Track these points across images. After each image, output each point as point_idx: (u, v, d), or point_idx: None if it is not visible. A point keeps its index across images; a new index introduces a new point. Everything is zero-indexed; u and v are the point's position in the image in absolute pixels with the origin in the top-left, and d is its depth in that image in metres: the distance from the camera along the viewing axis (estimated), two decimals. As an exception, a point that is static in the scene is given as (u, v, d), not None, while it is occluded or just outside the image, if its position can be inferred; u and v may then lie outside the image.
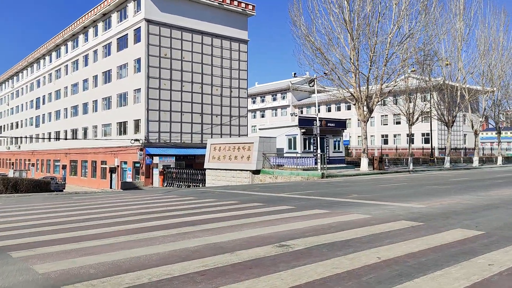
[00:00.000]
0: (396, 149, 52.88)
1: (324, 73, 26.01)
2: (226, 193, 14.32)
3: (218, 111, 45.09)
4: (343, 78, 27.22)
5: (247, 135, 48.29)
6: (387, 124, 71.83)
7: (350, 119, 69.16)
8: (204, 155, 43.51)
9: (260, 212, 8.77)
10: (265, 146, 28.51)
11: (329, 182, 19.63)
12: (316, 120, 29.66)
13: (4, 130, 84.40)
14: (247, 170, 28.77)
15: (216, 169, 31.65)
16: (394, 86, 28.08)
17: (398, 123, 67.12)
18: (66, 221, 8.21)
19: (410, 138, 33.11)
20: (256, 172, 28.22)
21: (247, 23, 47.72)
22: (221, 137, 44.88)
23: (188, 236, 6.27)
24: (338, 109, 76.28)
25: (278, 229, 6.70)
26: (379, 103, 28.01)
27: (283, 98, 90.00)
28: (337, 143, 31.43)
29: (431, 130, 43.14)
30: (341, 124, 31.68)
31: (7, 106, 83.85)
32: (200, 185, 33.25)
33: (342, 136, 31.58)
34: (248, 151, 29.04)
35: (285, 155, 29.00)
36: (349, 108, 69.68)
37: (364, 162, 28.15)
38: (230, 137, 45.23)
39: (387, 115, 68.70)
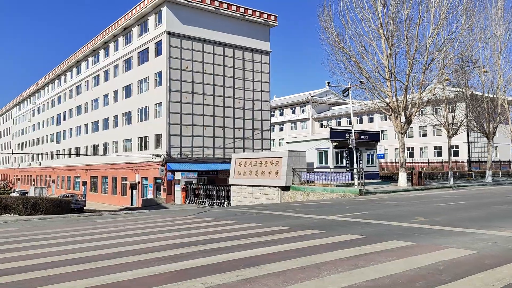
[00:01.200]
0: (429, 162, 50.45)
1: (360, 81, 24.35)
2: (267, 214, 12.67)
3: (240, 124, 43.72)
4: (378, 87, 25.48)
5: (270, 149, 46.72)
6: (412, 137, 69.02)
7: (386, 130, 66.47)
8: (226, 170, 42.11)
9: (325, 245, 7.11)
10: (295, 161, 26.84)
11: (372, 200, 17.80)
12: (350, 132, 27.93)
13: (25, 147, 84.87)
14: (275, 187, 27.08)
15: (241, 185, 30.06)
16: (433, 95, 26.20)
17: (425, 135, 64.54)
18: (93, 256, 6.69)
19: (450, 150, 30.98)
20: (286, 188, 26.52)
21: (269, 34, 46.58)
22: (243, 151, 43.40)
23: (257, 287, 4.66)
24: (371, 120, 73.08)
25: (369, 275, 5.04)
26: (417, 113, 26.12)
27: (303, 111, 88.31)
28: (370, 156, 29.53)
29: (468, 142, 40.68)
30: (375, 137, 29.82)
31: (29, 123, 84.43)
32: (225, 202, 31.67)
33: (376, 149, 29.68)
34: (276, 166, 27.41)
35: (316, 170, 27.27)
36: (384, 119, 66.90)
37: (403, 177, 26.17)
38: (253, 151, 43.72)
39: (412, 127, 66.33)
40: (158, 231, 9.48)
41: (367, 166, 29.25)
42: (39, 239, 8.75)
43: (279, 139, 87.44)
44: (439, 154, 64.00)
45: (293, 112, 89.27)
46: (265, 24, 45.72)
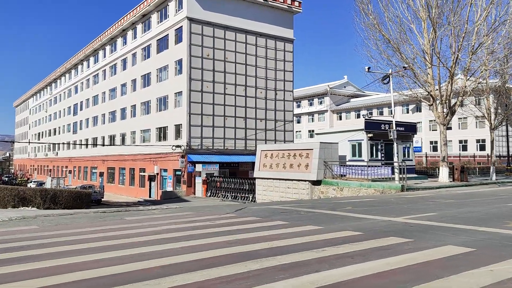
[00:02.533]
0: (460, 157, 48.13)
1: (404, 67, 22.39)
2: (316, 213, 11.05)
3: (262, 115, 42.03)
4: (418, 74, 23.49)
5: (293, 141, 44.98)
6: (435, 130, 65.91)
7: (420, 122, 63.44)
8: (248, 163, 40.60)
9: (436, 262, 5.43)
10: (326, 153, 25.08)
11: (423, 198, 16.00)
12: (387, 123, 26.13)
13: (42, 137, 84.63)
14: (305, 181, 25.39)
15: (267, 178, 28.44)
16: (478, 83, 24.09)
17: (449, 128, 61.92)
18: (136, 273, 5.15)
19: (493, 144, 28.82)
20: (316, 182, 24.81)
21: (293, 21, 44.62)
22: (265, 143, 41.72)
23: None
24: (406, 111, 68.62)
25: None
26: (460, 103, 24.09)
27: (320, 103, 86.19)
28: (406, 149, 27.59)
29: (507, 136, 38.19)
30: (411, 128, 27.83)
31: (45, 113, 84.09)
32: (250, 196, 30.13)
33: (412, 141, 27.73)
34: (306, 159, 25.69)
35: (349, 163, 25.48)
36: (419, 110, 63.81)
37: (444, 172, 24.23)
38: (275, 143, 42.05)
39: (434, 120, 63.71)
40: (202, 234, 7.91)
41: (403, 160, 27.30)
42: (64, 242, 7.25)
43: (296, 131, 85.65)
44: (464, 148, 61.44)
45: (311, 104, 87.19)
46: (288, 10, 43.75)
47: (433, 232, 7.77)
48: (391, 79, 21.88)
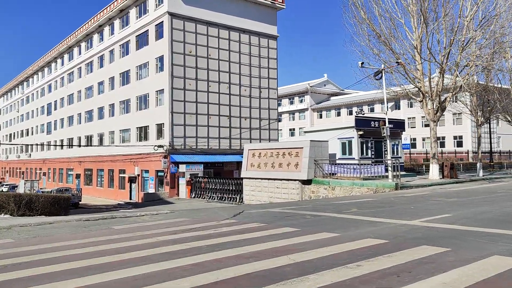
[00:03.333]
0: (442, 153, 48.32)
1: (397, 62, 21.83)
2: (323, 217, 10.20)
3: (246, 113, 41.07)
4: (409, 70, 23.03)
5: (277, 139, 44.22)
6: (414, 127, 66.25)
7: (410, 118, 62.98)
8: (233, 162, 39.61)
9: (495, 280, 4.65)
10: (316, 152, 24.36)
11: (422, 196, 15.41)
12: (376, 120, 25.62)
13: (14, 138, 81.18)
14: (295, 180, 24.61)
15: (255, 178, 27.53)
16: (467, 79, 23.80)
17: (427, 125, 62.39)
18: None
19: (479, 140, 28.75)
20: (307, 182, 24.07)
21: (277, 18, 43.81)
22: (250, 142, 40.79)
23: None
24: (397, 107, 67.49)
25: None
26: (451, 99, 23.75)
27: (301, 101, 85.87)
28: (395, 147, 27.18)
29: (490, 132, 38.20)
30: (400, 125, 27.42)
31: (17, 113, 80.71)
32: (237, 197, 29.15)
33: (401, 138, 27.33)
34: (296, 158, 24.91)
35: (339, 161, 24.83)
36: (410, 105, 63.51)
37: (435, 169, 23.87)
38: (260, 141, 41.20)
39: (414, 117, 64.08)
40: (208, 246, 6.92)
41: (392, 157, 26.88)
42: (44, 262, 6.14)
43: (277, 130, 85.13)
44: (442, 144, 61.96)
45: (291, 103, 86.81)
46: (272, 6, 42.91)
47: (464, 238, 7.02)
48: (383, 74, 21.30)
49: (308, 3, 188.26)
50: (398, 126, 27.28)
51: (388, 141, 22.09)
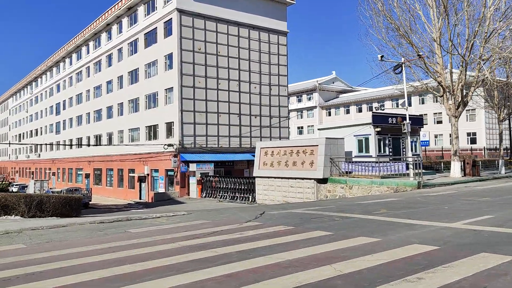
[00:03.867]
0: (443, 150, 47.27)
1: (418, 55, 21.00)
2: (356, 219, 9.49)
3: (256, 111, 40.40)
4: (430, 64, 22.19)
5: (288, 137, 43.50)
6: (427, 124, 64.95)
7: (426, 114, 61.60)
8: (243, 161, 38.97)
9: None
10: (332, 149, 23.63)
11: (452, 196, 14.64)
12: (393, 116, 24.81)
13: (23, 138, 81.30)
14: (310, 179, 23.90)
15: (268, 177, 26.86)
16: (490, 72, 22.90)
17: (440, 122, 61.32)
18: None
19: (501, 136, 27.79)
20: (323, 181, 23.35)
21: (286, 13, 43.05)
22: (260, 140, 40.10)
23: None
24: (396, 105, 68.07)
25: None
26: (473, 93, 22.88)
27: (309, 99, 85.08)
28: (413, 144, 26.29)
29: (510, 128, 37.05)
30: (418, 122, 26.57)
31: (26, 113, 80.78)
32: (250, 197, 28.51)
33: (419, 135, 26.49)
34: (311, 156, 24.19)
35: (356, 159, 24.08)
36: (422, 102, 62.56)
37: (456, 166, 23.03)
38: (270, 140, 40.49)
39: (426, 114, 62.98)
40: (238, 253, 6.27)
41: (413, 154, 26.04)
42: (61, 272, 5.54)
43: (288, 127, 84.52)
44: (440, 142, 60.68)
45: (299, 101, 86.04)
46: (281, 1, 42.14)
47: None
48: (403, 68, 20.48)
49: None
50: (416, 122, 26.41)
51: (408, 137, 21.26)
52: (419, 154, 26.85)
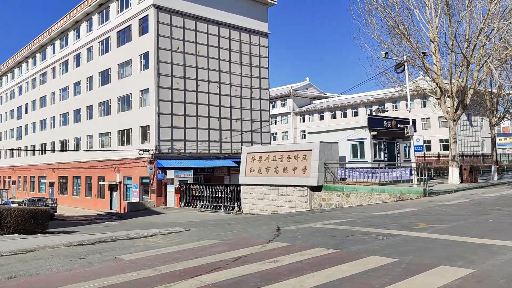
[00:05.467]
0: (439, 156, 46.96)
1: (423, 52, 19.73)
2: (398, 237, 7.75)
3: (237, 115, 38.48)
4: (428, 66, 21.04)
5: (269, 142, 41.78)
6: (429, 128, 64.39)
7: (414, 119, 60.93)
8: (223, 168, 36.88)
9: None
10: (326, 154, 22.04)
11: (473, 204, 13.25)
12: (388, 120, 23.57)
13: (-20, 144, 75.59)
14: (303, 186, 22.18)
15: (256, 184, 24.94)
16: (486, 74, 22.04)
17: (428, 128, 61.11)
18: None
19: (494, 141, 27.10)
20: (316, 188, 21.67)
21: (268, 14, 41.55)
22: (241, 145, 38.19)
23: None
24: (370, 112, 67.84)
25: None
26: (473, 96, 21.91)
27: (283, 105, 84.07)
28: (406, 149, 25.20)
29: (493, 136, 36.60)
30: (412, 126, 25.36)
31: (-16, 117, 75.24)
32: (236, 206, 26.45)
33: (412, 140, 25.30)
34: (303, 161, 22.48)
35: (350, 165, 22.59)
36: (382, 112, 62.10)
37: (455, 172, 21.91)
38: (252, 145, 38.62)
39: (415, 119, 62.67)
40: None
41: (404, 160, 24.90)
42: None
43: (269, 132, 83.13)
44: (428, 148, 60.73)
45: (274, 107, 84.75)
46: (262, 2, 40.60)
47: None
48: (406, 67, 19.18)
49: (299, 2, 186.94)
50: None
51: (412, 141, 19.95)
52: (411, 159, 25.70)
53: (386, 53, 18.61)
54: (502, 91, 25.65)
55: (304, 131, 79.95)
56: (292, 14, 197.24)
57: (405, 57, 19.55)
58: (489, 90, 24.12)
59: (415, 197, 17.72)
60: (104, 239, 8.83)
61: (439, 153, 50.38)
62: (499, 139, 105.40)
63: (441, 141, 58.25)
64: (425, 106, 55.84)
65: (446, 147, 56.64)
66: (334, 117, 74.96)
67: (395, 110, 50.32)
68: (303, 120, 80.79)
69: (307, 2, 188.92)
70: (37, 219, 14.96)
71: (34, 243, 8.95)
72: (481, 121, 60.40)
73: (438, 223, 9.28)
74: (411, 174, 19.23)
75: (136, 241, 8.65)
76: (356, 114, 72.21)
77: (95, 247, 8.03)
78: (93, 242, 8.62)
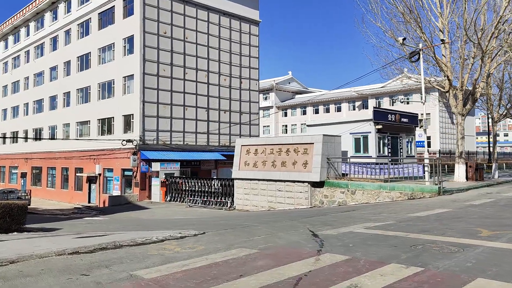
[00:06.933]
0: (440, 152, 46.43)
1: (442, 40, 18.52)
2: (482, 252, 6.34)
3: (226, 106, 36.70)
4: (435, 57, 19.90)
5: (258, 135, 40.22)
6: (429, 124, 63.65)
7: (416, 114, 59.94)
8: (210, 161, 35.10)
9: None
10: (329, 148, 20.67)
11: (506, 205, 12.10)
12: (393, 113, 22.37)
13: None
14: (303, 182, 20.75)
15: (251, 179, 23.34)
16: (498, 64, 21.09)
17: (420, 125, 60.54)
18: None
19: (495, 138, 26.35)
20: (318, 184, 20.30)
21: (258, 1, 39.76)
22: (229, 137, 36.57)
23: None
24: (352, 108, 68.11)
25: None
26: (483, 89, 20.94)
27: (265, 99, 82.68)
28: (409, 144, 24.14)
29: (488, 131, 36.18)
30: (414, 120, 24.33)
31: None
32: (228, 202, 24.79)
33: (414, 135, 24.32)
34: (304, 155, 21.04)
35: (354, 160, 21.30)
36: (365, 107, 61.56)
37: (461, 170, 20.98)
38: (240, 137, 36.92)
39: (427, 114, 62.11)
40: None
41: (407, 157, 23.82)
42: None
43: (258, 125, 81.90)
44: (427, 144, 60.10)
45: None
46: (254, -12, 38.84)
47: None
48: (421, 56, 17.93)
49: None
50: (412, 120, 24.22)
51: (424, 135, 18.79)
52: (414, 156, 24.73)
53: (404, 39, 17.27)
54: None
55: (286, 126, 78.99)
56: (275, 8, 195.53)
57: (420, 45, 18.29)
58: (497, 84, 23.28)
59: (428, 195, 16.56)
60: (106, 245, 7.09)
61: (439, 150, 49.90)
62: (480, 137, 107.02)
63: (441, 137, 57.60)
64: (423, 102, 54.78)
65: (445, 144, 56.44)
66: (316, 112, 74.10)
67: (394, 106, 49.74)
68: (285, 115, 79.83)
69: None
70: (13, 216, 12.93)
71: (15, 248, 7.12)
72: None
73: (499, 229, 7.97)
74: (423, 170, 18.05)
75: (146, 248, 6.95)
76: (339, 109, 71.55)
77: (97, 257, 6.29)
78: (92, 249, 6.87)
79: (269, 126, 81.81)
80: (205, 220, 14.24)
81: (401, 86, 53.67)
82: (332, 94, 72.27)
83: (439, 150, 54.31)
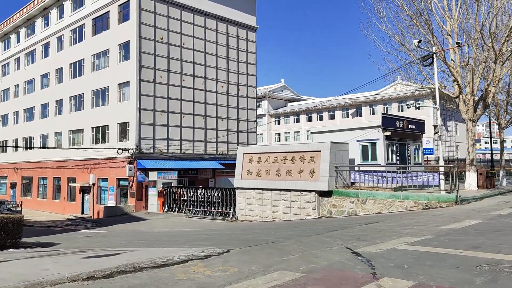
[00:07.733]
0: (448, 160, 45.94)
1: (457, 43, 18.00)
2: None
3: (223, 113, 35.88)
4: (449, 63, 19.39)
5: (256, 143, 39.43)
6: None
7: (423, 120, 59.16)
8: (208, 169, 34.14)
9: None
10: (337, 156, 19.96)
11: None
12: (400, 120, 21.76)
13: None
14: (310, 191, 19.96)
15: (254, 188, 22.48)
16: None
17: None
18: None
19: (502, 145, 25.91)
20: (326, 193, 19.53)
21: (256, 6, 39.24)
22: (227, 145, 35.73)
23: None
24: (346, 116, 67.81)
25: None
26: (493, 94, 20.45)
27: (258, 107, 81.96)
28: (416, 151, 23.54)
29: (490, 134, 36.00)
30: (420, 127, 23.79)
31: None
32: (230, 212, 23.86)
33: (421, 142, 23.74)
34: (311, 163, 20.27)
35: (362, 168, 20.58)
36: (359, 114, 61.10)
37: (473, 178, 20.39)
38: (238, 145, 36.12)
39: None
40: None
41: (414, 164, 23.20)
42: None
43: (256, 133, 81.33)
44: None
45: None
46: (251, -6, 38.32)
47: None
48: (434, 59, 17.37)
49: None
50: (419, 127, 23.69)
51: (440, 142, 18.13)
52: (421, 163, 24.13)
53: (419, 41, 16.67)
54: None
55: (279, 134, 78.36)
56: (266, 16, 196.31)
57: (434, 48, 17.73)
58: (503, 90, 22.92)
59: (445, 204, 15.88)
60: (124, 268, 6.19)
61: (443, 156, 49.21)
62: (478, 145, 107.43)
63: (443, 145, 56.93)
64: (419, 108, 54.56)
65: (443, 151, 55.79)
66: (310, 119, 73.63)
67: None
68: (278, 123, 79.32)
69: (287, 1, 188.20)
70: (8, 231, 11.94)
71: (19, 273, 6.18)
72: (456, 126, 60.48)
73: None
74: (439, 178, 17.39)
75: (171, 271, 6.07)
76: (332, 117, 71.10)
77: (118, 284, 5.40)
78: (109, 273, 5.97)
79: (262, 134, 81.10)
80: (216, 234, 13.34)
81: (394, 94, 53.39)
82: (326, 102, 71.87)
83: (438, 157, 53.93)
